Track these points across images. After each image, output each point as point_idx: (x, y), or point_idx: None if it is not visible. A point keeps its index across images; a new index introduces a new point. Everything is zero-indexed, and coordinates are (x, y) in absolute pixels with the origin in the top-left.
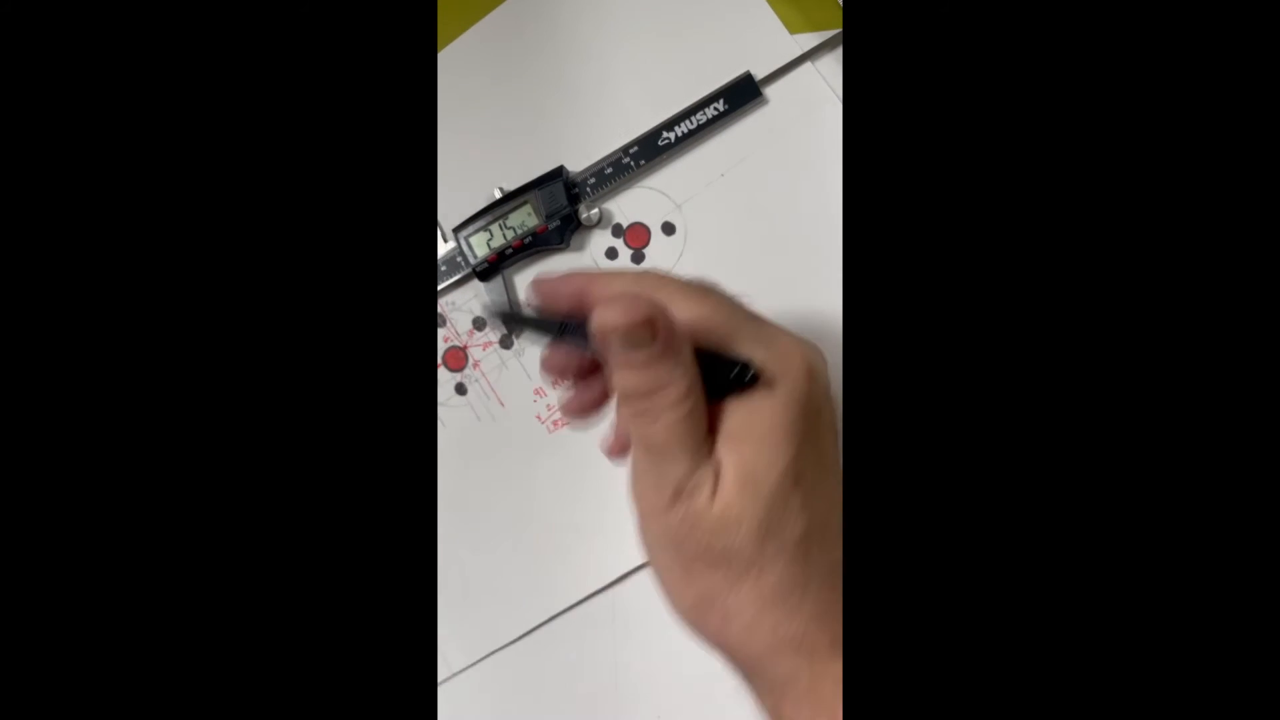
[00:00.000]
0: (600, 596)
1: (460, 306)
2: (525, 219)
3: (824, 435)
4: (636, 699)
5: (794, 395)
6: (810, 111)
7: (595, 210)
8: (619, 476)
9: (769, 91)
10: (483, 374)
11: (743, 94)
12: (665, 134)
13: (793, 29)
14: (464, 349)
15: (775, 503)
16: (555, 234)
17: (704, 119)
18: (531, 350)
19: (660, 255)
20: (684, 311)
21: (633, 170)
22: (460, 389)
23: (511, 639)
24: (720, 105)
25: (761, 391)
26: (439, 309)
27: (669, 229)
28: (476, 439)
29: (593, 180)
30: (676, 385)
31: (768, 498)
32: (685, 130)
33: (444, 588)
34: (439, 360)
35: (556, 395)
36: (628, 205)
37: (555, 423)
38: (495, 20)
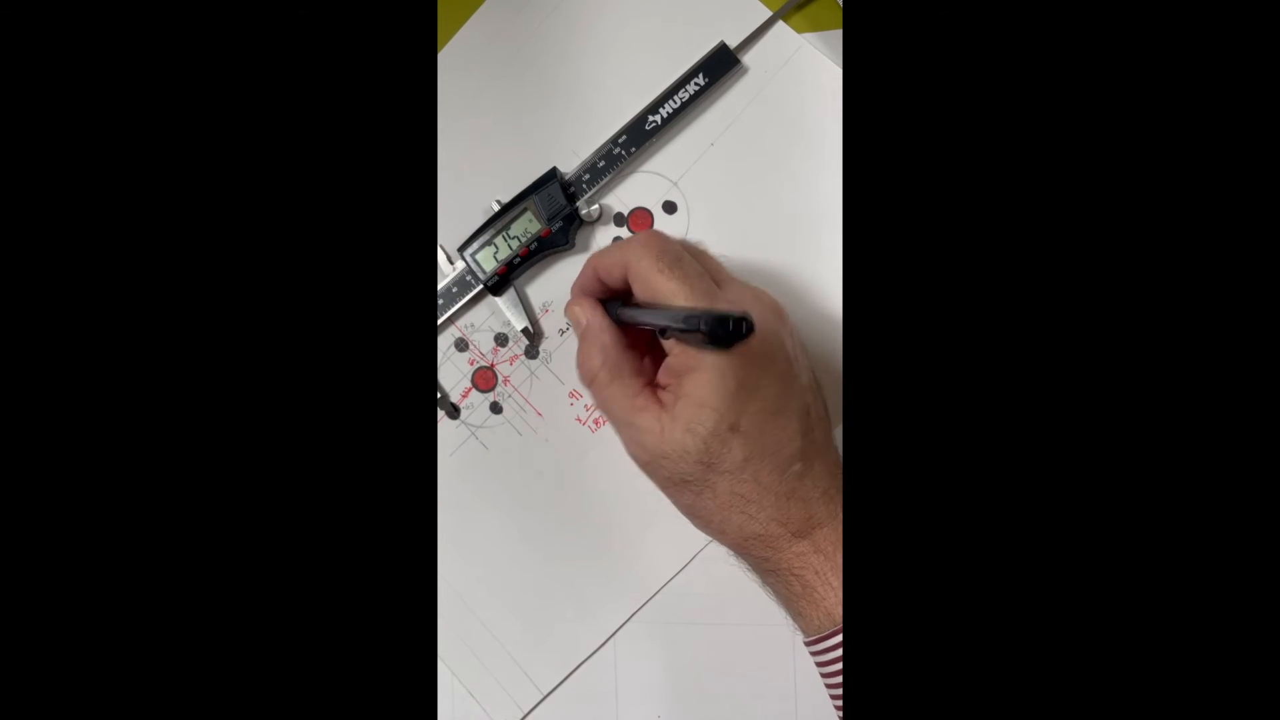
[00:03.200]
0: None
1: (480, 327)
2: (528, 226)
3: (770, 383)
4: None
5: (728, 364)
6: (787, 67)
7: (595, 205)
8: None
9: (746, 58)
10: (514, 388)
11: (721, 64)
12: (651, 117)
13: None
14: (491, 367)
15: (712, 443)
16: (560, 235)
17: (686, 96)
18: (559, 355)
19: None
20: (652, 289)
21: (625, 159)
22: (495, 408)
23: (597, 646)
24: (700, 80)
25: (704, 358)
26: (459, 333)
27: (670, 208)
28: (522, 454)
29: (588, 176)
30: (599, 337)
31: (704, 438)
32: (670, 110)
33: (519, 609)
34: (469, 383)
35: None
36: (626, 194)
37: (596, 421)
38: (465, 37)
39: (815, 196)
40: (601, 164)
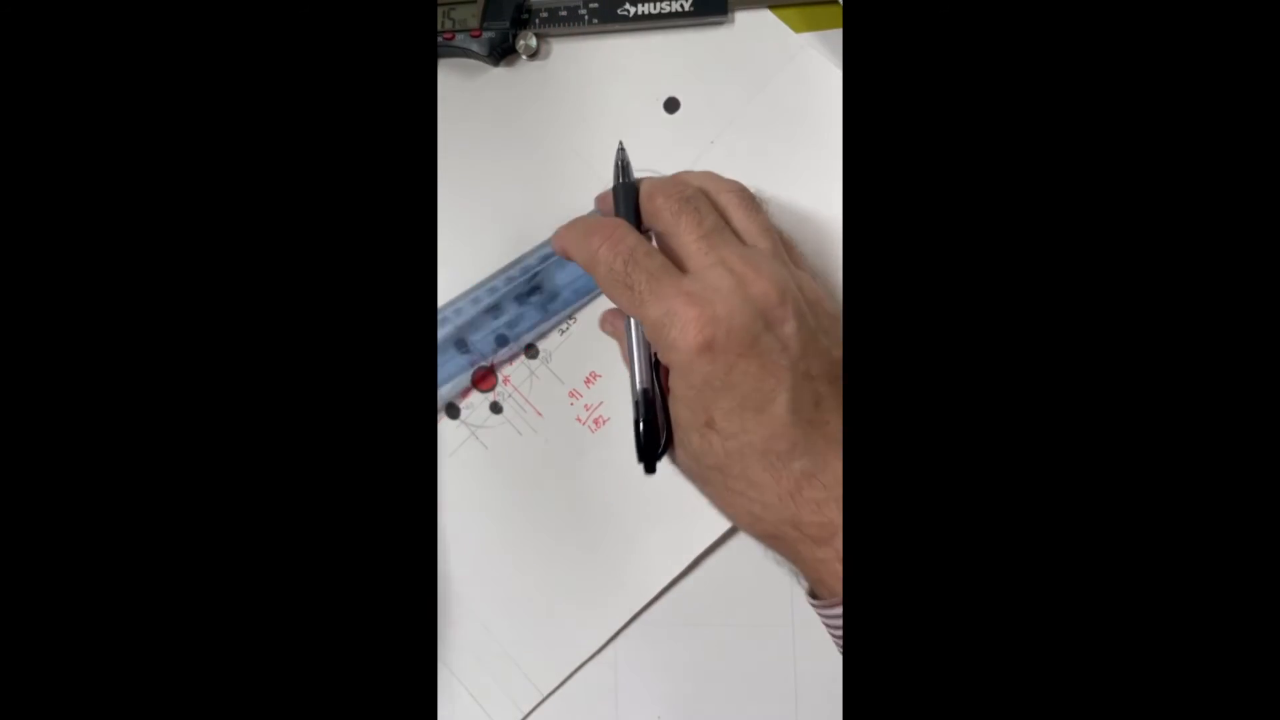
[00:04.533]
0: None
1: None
2: (468, 17)
3: (746, 378)
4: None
5: (682, 366)
6: (787, 67)
7: (533, 40)
8: (671, 465)
9: (743, 55)
10: (514, 388)
11: (709, 3)
12: (627, 5)
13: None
14: (492, 367)
15: (691, 438)
16: (485, 46)
17: (666, 9)
18: (559, 354)
19: None
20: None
21: (584, 23)
22: (495, 408)
23: (597, 648)
24: (685, 3)
25: (670, 360)
26: (459, 334)
27: None
28: (521, 454)
29: (545, 14)
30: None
31: (683, 432)
32: (645, 12)
33: (519, 610)
34: (469, 383)
35: (591, 395)
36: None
37: (596, 421)
38: None
39: (816, 197)
40: (563, 12)
